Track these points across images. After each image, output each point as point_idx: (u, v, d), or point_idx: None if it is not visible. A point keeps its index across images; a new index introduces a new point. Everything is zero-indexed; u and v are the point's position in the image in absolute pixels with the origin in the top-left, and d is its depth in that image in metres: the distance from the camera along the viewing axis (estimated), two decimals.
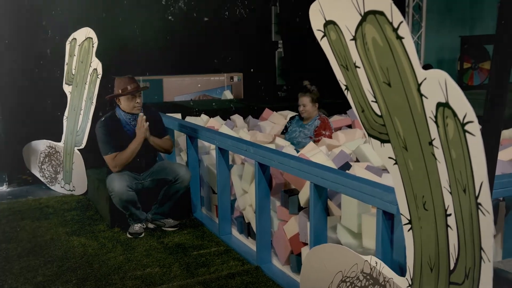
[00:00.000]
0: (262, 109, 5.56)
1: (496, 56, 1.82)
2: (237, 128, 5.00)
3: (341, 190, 2.54)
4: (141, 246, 3.76)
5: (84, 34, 5.00)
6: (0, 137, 5.46)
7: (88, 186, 5.04)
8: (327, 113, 4.78)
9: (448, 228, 1.70)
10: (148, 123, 3.89)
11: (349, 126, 4.96)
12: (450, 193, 1.64)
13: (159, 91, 7.00)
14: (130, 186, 3.86)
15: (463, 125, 1.48)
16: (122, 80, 3.95)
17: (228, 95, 7.27)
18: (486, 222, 1.52)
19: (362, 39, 1.81)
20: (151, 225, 4.12)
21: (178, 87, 7.19)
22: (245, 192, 3.69)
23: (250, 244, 3.70)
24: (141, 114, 3.91)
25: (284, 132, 4.71)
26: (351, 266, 2.28)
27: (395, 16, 1.64)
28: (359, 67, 1.89)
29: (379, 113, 1.90)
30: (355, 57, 1.89)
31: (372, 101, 1.91)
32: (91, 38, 4.92)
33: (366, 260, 2.21)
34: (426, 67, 1.74)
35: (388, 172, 2.10)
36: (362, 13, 1.76)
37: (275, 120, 5.21)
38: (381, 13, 1.69)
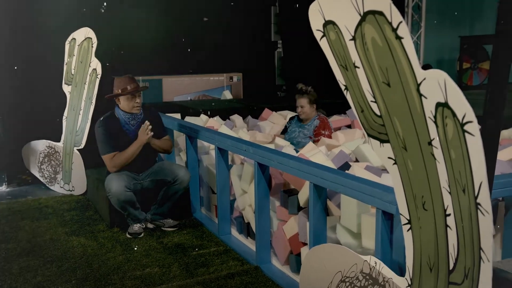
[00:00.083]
0: (262, 109, 5.56)
1: (495, 56, 1.82)
2: (237, 128, 5.00)
3: (340, 190, 2.54)
4: (140, 246, 3.76)
5: (84, 34, 5.00)
6: (0, 137, 5.45)
7: (88, 186, 5.03)
8: (326, 113, 4.78)
9: (448, 228, 1.70)
10: (152, 133, 3.90)
11: (349, 126, 4.96)
12: (450, 193, 1.64)
13: (159, 91, 7.00)
14: (128, 186, 3.85)
15: (462, 125, 1.48)
16: (122, 80, 3.95)
17: (227, 95, 7.27)
18: (486, 222, 1.52)
19: (362, 39, 1.81)
20: (150, 225, 4.12)
21: (178, 87, 7.19)
22: (244, 192, 3.69)
23: (250, 244, 3.70)
24: (147, 122, 3.90)
25: (284, 132, 4.71)
26: (351, 266, 2.28)
27: (395, 16, 1.64)
28: (358, 67, 1.89)
29: (378, 113, 1.90)
30: (355, 57, 1.89)
31: (371, 101, 1.91)
32: (91, 38, 4.92)
33: (366, 260, 2.21)
34: (425, 67, 1.74)
35: (388, 172, 2.10)
36: (362, 13, 1.77)
37: (275, 120, 5.21)
38: (381, 13, 1.69)
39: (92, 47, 4.89)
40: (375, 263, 2.16)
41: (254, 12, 7.97)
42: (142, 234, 3.98)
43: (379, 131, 1.94)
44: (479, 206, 1.52)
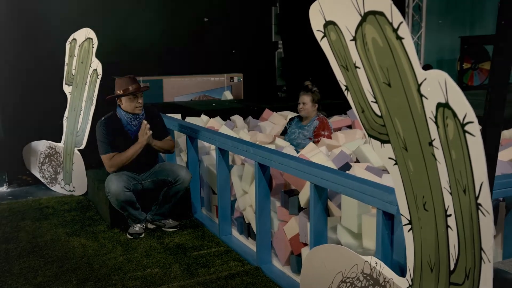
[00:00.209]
0: (262, 110, 5.56)
1: (496, 56, 1.82)
2: (237, 128, 5.00)
3: (341, 190, 2.54)
4: (141, 247, 3.76)
5: (84, 35, 5.00)
6: (0, 138, 5.46)
7: (88, 186, 5.04)
8: (327, 113, 4.77)
9: (448, 228, 1.70)
10: (151, 131, 3.90)
11: (349, 127, 4.96)
12: (450, 193, 1.64)
13: (159, 92, 7.01)
14: (127, 186, 3.85)
15: (463, 125, 1.48)
16: (123, 81, 3.95)
17: (228, 95, 7.27)
18: (486, 223, 1.52)
19: (362, 40, 1.81)
20: (151, 226, 4.12)
21: (178, 87, 7.20)
22: (245, 193, 3.69)
23: (250, 244, 3.70)
24: (145, 121, 3.90)
25: (284, 133, 4.70)
26: (351, 266, 2.28)
27: (395, 16, 1.64)
28: (359, 68, 1.89)
29: (379, 114, 1.90)
30: (355, 57, 1.89)
31: (372, 101, 1.91)
32: (91, 39, 4.92)
33: (366, 261, 2.21)
34: (426, 67, 1.74)
35: (388, 173, 2.10)
36: (362, 14, 1.77)
37: (275, 121, 5.21)
38: (381, 14, 1.69)
39: (92, 47, 4.90)
40: (376, 263, 2.16)
41: (255, 12, 7.97)
42: (143, 235, 3.98)
43: (379, 131, 1.94)
44: (480, 207, 1.52)
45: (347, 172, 2.97)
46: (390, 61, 1.72)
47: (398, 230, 2.21)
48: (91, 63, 4.92)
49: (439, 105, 1.56)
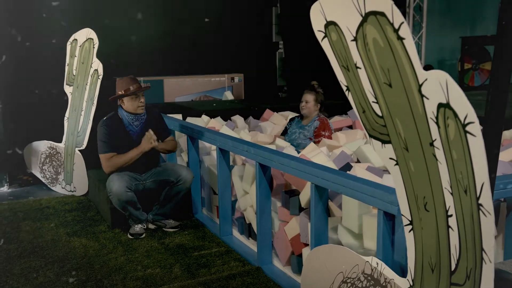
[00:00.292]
0: (263, 110, 5.56)
1: (497, 57, 1.82)
2: (238, 129, 5.00)
3: (342, 191, 2.54)
4: (142, 247, 3.76)
5: (85, 35, 5.01)
6: (1, 138, 5.46)
7: (89, 187, 5.04)
8: (328, 114, 4.77)
9: (449, 229, 1.70)
10: (156, 143, 3.91)
11: (350, 127, 4.95)
12: (451, 194, 1.64)
13: (160, 92, 7.01)
14: (129, 187, 3.85)
15: (464, 126, 1.48)
16: (125, 81, 3.95)
17: (229, 95, 7.27)
18: (487, 223, 1.52)
19: (363, 40, 1.81)
20: (152, 226, 4.12)
21: (179, 87, 7.20)
22: (246, 193, 3.69)
23: (251, 245, 3.70)
24: (151, 131, 3.90)
25: (284, 133, 4.70)
26: (352, 267, 2.28)
27: (396, 16, 1.64)
28: (360, 68, 1.89)
29: (380, 114, 1.90)
30: (356, 57, 1.89)
31: (373, 101, 1.91)
32: (92, 39, 4.92)
33: (367, 261, 2.21)
34: (426, 67, 1.74)
35: (389, 173, 2.10)
36: (363, 14, 1.76)
37: (276, 121, 5.20)
38: (382, 14, 1.69)
39: (93, 48, 4.90)
40: (377, 264, 2.16)
41: (256, 12, 7.97)
42: (144, 235, 3.98)
43: (380, 131, 1.94)
44: (481, 207, 1.52)
45: (348, 172, 2.97)
46: (391, 62, 1.72)
47: (399, 231, 2.20)
48: (92, 63, 4.92)
49: (440, 105, 1.56)
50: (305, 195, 2.99)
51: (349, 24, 1.85)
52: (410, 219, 1.92)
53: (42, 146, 5.48)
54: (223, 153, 3.82)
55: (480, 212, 1.52)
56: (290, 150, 3.71)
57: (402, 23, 1.63)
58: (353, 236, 2.67)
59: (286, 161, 2.97)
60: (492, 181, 1.65)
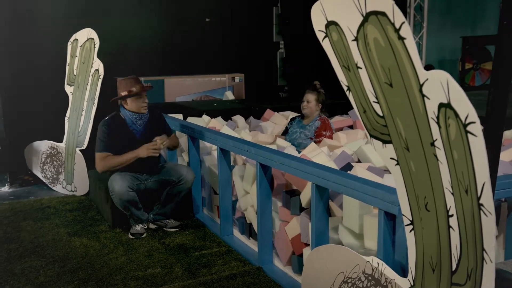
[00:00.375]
0: (264, 110, 5.56)
1: (497, 56, 1.82)
2: (239, 128, 5.00)
3: (342, 190, 2.54)
4: (142, 247, 3.76)
5: (86, 35, 5.01)
6: (2, 138, 5.46)
7: (90, 186, 5.04)
8: (329, 114, 4.77)
9: (450, 228, 1.70)
10: (157, 154, 3.94)
11: (351, 127, 4.95)
12: (452, 194, 1.64)
13: (161, 92, 7.02)
14: (131, 186, 3.86)
15: (465, 125, 1.48)
16: (128, 81, 3.96)
17: (229, 95, 7.27)
18: (488, 223, 1.52)
19: (364, 40, 1.81)
20: (152, 226, 4.12)
21: (180, 87, 7.20)
22: (246, 193, 3.69)
23: (252, 244, 3.70)
24: (163, 137, 3.93)
25: (285, 133, 4.70)
26: (353, 267, 2.28)
27: (397, 16, 1.64)
28: (360, 68, 1.89)
29: (380, 114, 1.90)
30: (357, 57, 1.89)
31: (373, 101, 1.91)
32: (93, 39, 4.92)
33: (368, 261, 2.21)
34: (427, 67, 1.74)
35: (390, 173, 2.09)
36: (364, 14, 1.76)
37: (277, 121, 5.20)
38: (383, 14, 1.68)
39: (94, 47, 4.90)
40: (378, 263, 2.16)
41: (256, 12, 7.97)
42: (145, 235, 3.98)
43: (381, 131, 1.94)
44: (481, 207, 1.52)
45: (348, 172, 2.97)
46: (392, 61, 1.72)
47: (400, 231, 2.20)
48: (92, 63, 4.92)
49: (441, 105, 1.56)
50: (306, 195, 2.99)
51: (350, 24, 1.85)
52: (411, 219, 1.92)
53: (43, 146, 5.48)
54: (224, 153, 3.82)
55: (481, 212, 1.52)
56: (291, 150, 3.71)
57: (403, 23, 1.63)
58: (354, 236, 2.67)
59: (287, 161, 2.97)
60: (493, 181, 1.64)
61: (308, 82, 4.57)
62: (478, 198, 1.52)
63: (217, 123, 5.05)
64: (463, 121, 1.48)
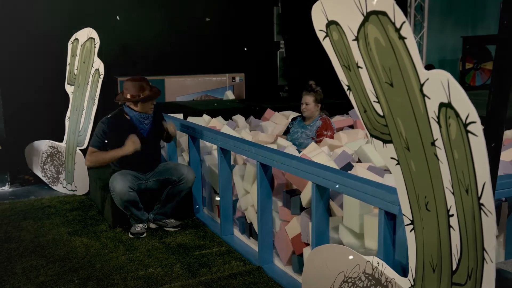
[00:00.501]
0: (264, 110, 5.56)
1: (498, 56, 1.82)
2: (239, 128, 5.00)
3: (343, 190, 2.54)
4: (143, 246, 3.76)
5: (86, 35, 5.01)
6: (2, 137, 5.47)
7: (90, 186, 5.04)
8: (329, 113, 4.77)
9: (451, 228, 1.70)
10: (139, 148, 3.95)
11: (351, 127, 4.95)
12: (453, 193, 1.64)
13: (161, 92, 7.02)
14: (132, 187, 3.86)
15: (465, 125, 1.48)
16: (140, 84, 3.96)
17: (230, 95, 7.27)
18: (489, 223, 1.52)
19: (365, 40, 1.81)
20: (153, 225, 4.12)
21: (180, 87, 7.20)
22: (247, 193, 3.69)
23: (252, 244, 3.70)
24: (137, 139, 3.90)
25: (286, 133, 4.70)
26: (353, 266, 2.28)
27: (398, 16, 1.64)
28: (361, 68, 1.89)
29: (381, 114, 1.90)
30: (358, 57, 1.89)
31: (374, 101, 1.91)
32: (93, 39, 4.92)
33: (368, 261, 2.21)
34: (428, 67, 1.74)
35: (390, 173, 2.09)
36: (365, 13, 1.76)
37: (277, 121, 5.20)
38: (384, 14, 1.68)
39: (94, 47, 4.90)
40: (378, 263, 2.16)
41: (257, 12, 7.97)
42: (145, 234, 3.98)
43: (382, 131, 1.94)
44: (482, 207, 1.52)
45: (349, 172, 2.97)
46: (393, 61, 1.72)
47: (400, 230, 2.20)
48: (93, 62, 4.92)
49: (441, 105, 1.56)
50: (306, 194, 2.99)
51: (350, 24, 1.85)
52: (411, 219, 1.92)
53: (43, 145, 5.48)
54: (224, 153, 3.82)
55: (482, 211, 1.52)
56: (291, 149, 3.71)
57: (404, 22, 1.63)
58: (354, 236, 2.67)
59: (287, 161, 2.97)
60: (494, 180, 1.64)
61: (308, 82, 4.57)
62: (479, 198, 1.52)
63: (218, 123, 5.05)
64: (464, 121, 1.48)
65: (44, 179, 5.50)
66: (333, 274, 2.38)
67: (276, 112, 5.46)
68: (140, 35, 6.92)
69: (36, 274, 3.31)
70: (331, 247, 2.49)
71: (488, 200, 1.49)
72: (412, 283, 1.98)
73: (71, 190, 5.22)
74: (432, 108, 1.61)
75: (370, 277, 2.19)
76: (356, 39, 1.85)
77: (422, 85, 1.63)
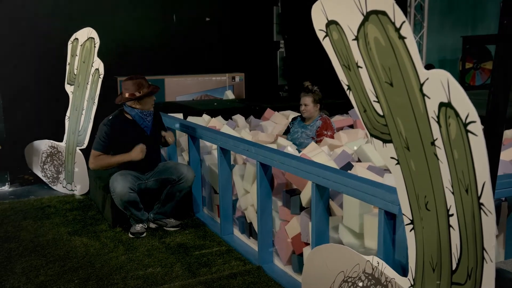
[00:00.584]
0: (264, 109, 5.56)
1: (498, 56, 1.82)
2: (239, 128, 5.00)
3: (343, 190, 2.54)
4: (143, 246, 3.76)
5: (86, 34, 5.01)
6: (3, 137, 5.47)
7: (90, 186, 5.04)
8: (329, 113, 4.77)
9: (450, 228, 1.70)
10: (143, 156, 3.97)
11: (351, 126, 4.95)
12: (453, 193, 1.64)
13: (161, 91, 7.02)
14: (132, 188, 3.85)
15: (465, 125, 1.48)
16: (139, 82, 3.97)
17: (229, 95, 7.27)
18: (489, 222, 1.52)
19: (364, 39, 1.81)
20: (153, 225, 4.12)
21: (180, 87, 7.20)
22: (246, 192, 3.69)
23: (252, 244, 3.70)
24: (144, 146, 3.92)
25: (286, 133, 4.70)
26: (353, 266, 2.28)
27: (398, 16, 1.64)
28: (361, 67, 1.89)
29: (381, 113, 1.90)
30: (357, 57, 1.89)
31: (374, 101, 1.91)
32: (93, 38, 4.92)
33: (368, 260, 2.21)
34: (428, 67, 1.74)
35: (390, 172, 2.09)
36: (365, 13, 1.76)
37: (277, 120, 5.20)
38: (384, 13, 1.68)
39: (94, 47, 4.90)
40: (378, 263, 2.16)
41: (257, 12, 7.98)
42: (145, 234, 3.98)
43: (381, 131, 1.94)
44: (482, 206, 1.52)
45: (349, 171, 2.97)
46: (392, 61, 1.72)
47: (400, 230, 2.20)
48: (93, 62, 4.92)
49: (441, 104, 1.56)
50: (306, 194, 2.99)
51: (350, 23, 1.85)
52: (411, 219, 1.92)
53: (43, 145, 5.48)
54: (224, 152, 3.82)
55: (481, 211, 1.52)
56: (291, 149, 3.71)
57: (404, 22, 1.63)
58: (354, 235, 2.67)
59: (287, 160, 2.97)
60: (493, 180, 1.64)
61: (312, 81, 4.56)
62: (479, 198, 1.52)
63: (218, 123, 5.05)
64: (464, 121, 1.48)
65: (44, 179, 5.50)
66: (333, 273, 2.38)
67: (276, 111, 5.46)
68: (140, 35, 6.92)
69: (36, 274, 3.31)
70: (331, 247, 2.49)
71: (488, 199, 1.49)
72: (412, 283, 1.98)
73: (71, 190, 5.22)
74: (432, 107, 1.61)
75: (370, 277, 2.19)
76: (356, 38, 1.85)
77: (422, 85, 1.63)
